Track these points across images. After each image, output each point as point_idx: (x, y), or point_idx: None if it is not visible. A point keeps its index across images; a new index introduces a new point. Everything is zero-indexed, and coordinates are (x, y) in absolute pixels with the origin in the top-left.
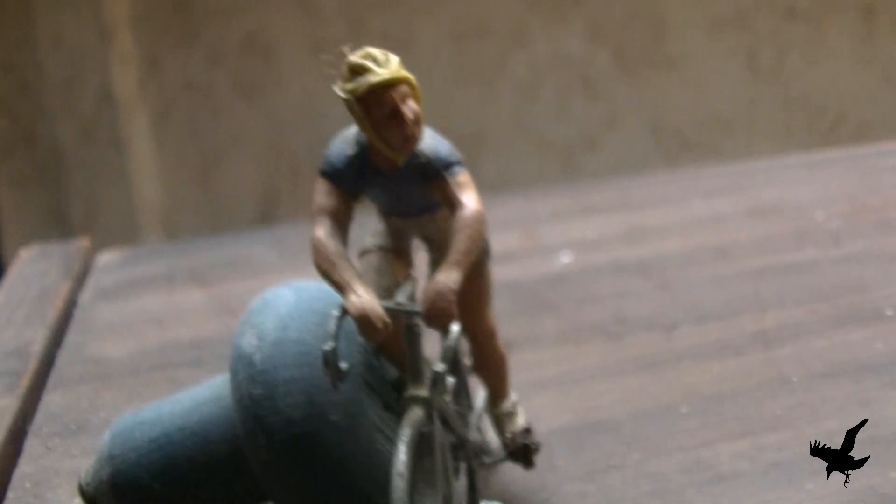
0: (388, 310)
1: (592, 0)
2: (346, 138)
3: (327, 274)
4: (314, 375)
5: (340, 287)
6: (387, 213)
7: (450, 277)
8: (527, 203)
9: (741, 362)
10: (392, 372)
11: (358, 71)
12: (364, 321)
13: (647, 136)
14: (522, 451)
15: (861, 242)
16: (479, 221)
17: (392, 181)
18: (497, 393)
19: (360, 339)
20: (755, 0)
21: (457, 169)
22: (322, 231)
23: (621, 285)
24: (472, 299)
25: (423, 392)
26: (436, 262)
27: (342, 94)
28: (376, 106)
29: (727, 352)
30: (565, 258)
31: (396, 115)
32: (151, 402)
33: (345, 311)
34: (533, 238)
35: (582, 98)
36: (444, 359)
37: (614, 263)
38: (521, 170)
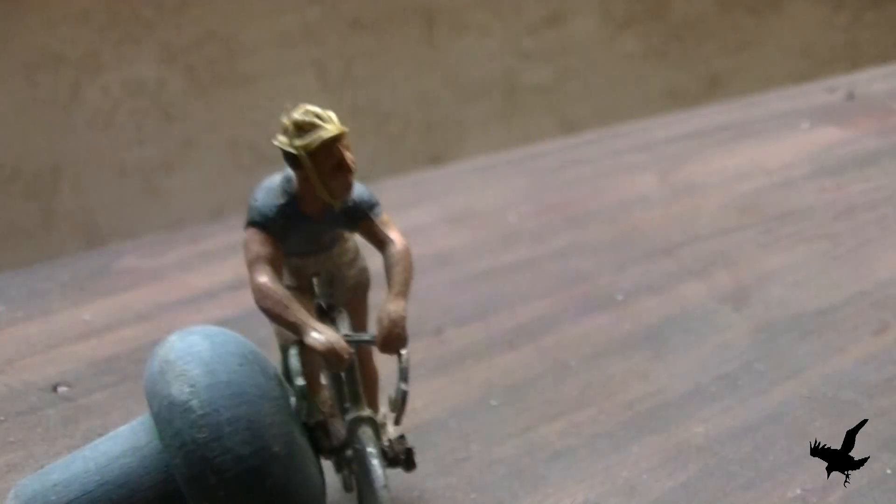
0: (347, 341)
1: (163, 23)
2: (271, 189)
3: (280, 316)
4: (252, 412)
5: (297, 327)
6: (289, 254)
7: (399, 306)
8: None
9: (518, 355)
10: (293, 402)
11: (306, 128)
12: (332, 354)
13: (225, 154)
14: (405, 455)
15: (561, 238)
16: (409, 255)
17: (317, 225)
18: (372, 405)
19: (273, 372)
20: (322, 13)
21: (378, 209)
22: (265, 277)
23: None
24: (358, 323)
25: (367, 412)
26: (326, 295)
27: (292, 150)
28: (326, 158)
29: (500, 347)
30: None
31: (342, 165)
32: (53, 463)
33: (302, 347)
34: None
35: (158, 121)
36: (404, 378)
37: None
38: (101, 199)
